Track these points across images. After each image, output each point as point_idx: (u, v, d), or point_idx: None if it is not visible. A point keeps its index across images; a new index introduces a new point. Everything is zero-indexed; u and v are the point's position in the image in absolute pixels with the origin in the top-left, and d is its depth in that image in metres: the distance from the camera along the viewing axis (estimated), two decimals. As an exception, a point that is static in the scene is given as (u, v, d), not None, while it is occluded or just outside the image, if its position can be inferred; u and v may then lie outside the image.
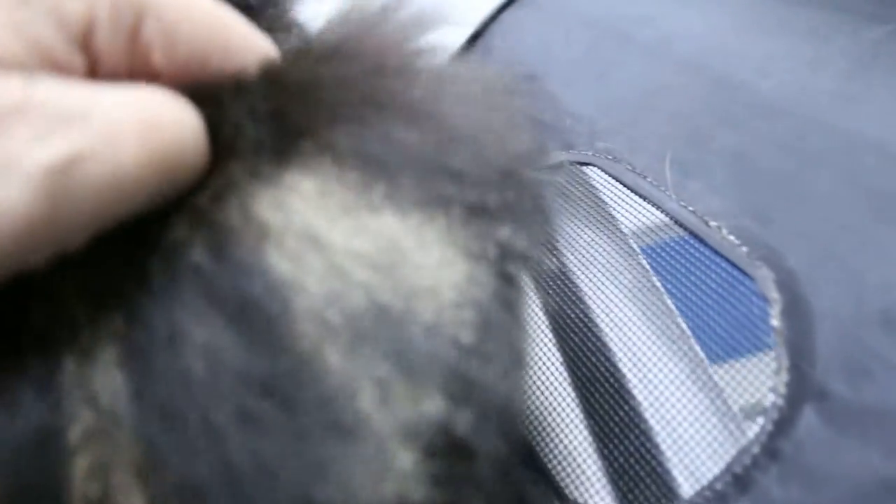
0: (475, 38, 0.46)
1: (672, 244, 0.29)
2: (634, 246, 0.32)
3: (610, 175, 0.33)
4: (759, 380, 0.24)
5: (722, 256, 0.27)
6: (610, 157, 0.33)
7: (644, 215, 0.31)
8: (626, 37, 0.37)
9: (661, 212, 0.30)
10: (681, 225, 0.29)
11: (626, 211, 0.32)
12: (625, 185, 0.32)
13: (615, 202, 0.32)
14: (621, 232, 0.32)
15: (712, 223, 0.28)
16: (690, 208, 0.29)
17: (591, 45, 0.38)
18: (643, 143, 0.32)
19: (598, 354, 0.29)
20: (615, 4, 0.40)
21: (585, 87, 0.36)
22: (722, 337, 0.26)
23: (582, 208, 0.34)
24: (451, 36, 0.46)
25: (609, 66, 0.37)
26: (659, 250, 0.30)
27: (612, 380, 0.28)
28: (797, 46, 0.32)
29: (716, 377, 0.26)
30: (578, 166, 0.34)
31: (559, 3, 0.43)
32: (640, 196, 0.31)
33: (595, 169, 0.33)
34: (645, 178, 0.31)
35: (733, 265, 0.26)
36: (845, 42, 0.31)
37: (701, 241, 0.28)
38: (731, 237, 0.27)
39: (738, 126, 0.30)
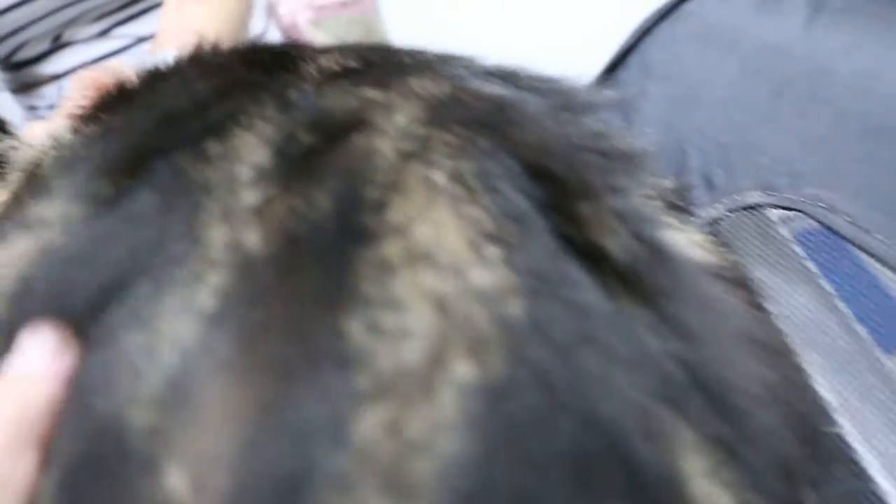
0: (627, 50, 0.44)
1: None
2: (842, 307, 0.30)
3: (823, 225, 0.30)
4: None
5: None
6: (822, 205, 0.31)
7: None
8: (825, 70, 0.35)
9: (897, 274, 0.28)
10: (924, 292, 0.27)
11: (839, 265, 0.30)
12: (844, 238, 0.30)
13: (827, 255, 0.30)
14: (826, 291, 0.30)
15: (968, 295, 0.26)
16: (936, 275, 0.27)
17: (782, 77, 0.35)
18: (862, 193, 0.30)
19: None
20: (803, 35, 0.37)
21: (781, 122, 0.34)
22: None
23: (783, 258, 0.31)
24: (597, 49, 0.44)
25: (808, 101, 0.34)
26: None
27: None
28: None
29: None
30: (780, 211, 0.32)
31: (730, 28, 0.40)
32: (867, 252, 0.29)
33: (802, 216, 0.31)
34: (868, 232, 0.29)
35: None
36: None
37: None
38: None
39: None
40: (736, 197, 0.33)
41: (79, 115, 0.35)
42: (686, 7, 0.44)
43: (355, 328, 0.16)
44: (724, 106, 0.37)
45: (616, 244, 0.19)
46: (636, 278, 0.19)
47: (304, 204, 0.19)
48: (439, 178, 0.19)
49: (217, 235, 0.19)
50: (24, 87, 0.67)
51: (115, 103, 0.31)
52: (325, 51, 0.28)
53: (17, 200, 0.27)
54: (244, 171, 0.20)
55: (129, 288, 0.19)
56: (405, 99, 0.22)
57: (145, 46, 0.65)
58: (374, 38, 0.82)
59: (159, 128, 0.24)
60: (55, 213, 0.24)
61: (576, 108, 0.28)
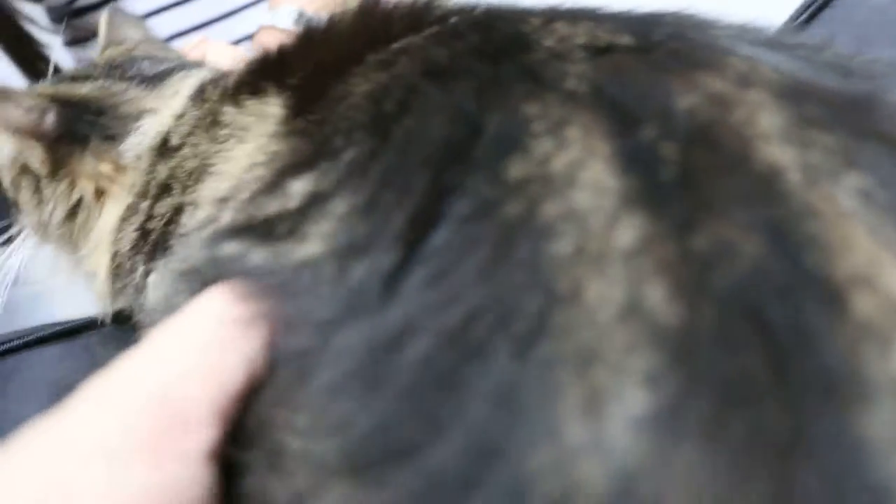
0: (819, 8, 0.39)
1: None
2: None
3: None
4: None
5: None
6: None
7: None
8: None
9: None
10: None
11: None
12: None
13: None
14: None
15: None
16: None
17: None
18: None
19: None
20: None
21: None
22: None
23: None
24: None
25: None
26: None
27: None
28: None
29: None
30: None
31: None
32: None
33: None
34: None
35: None
36: None
37: None
38: None
39: None
40: None
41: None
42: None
43: (877, 432, 0.12)
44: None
45: None
46: None
47: (715, 246, 0.14)
48: (846, 199, 0.15)
49: (596, 292, 0.14)
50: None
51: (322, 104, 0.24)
52: (551, 17, 0.22)
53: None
54: (589, 199, 0.16)
55: (477, 370, 0.14)
56: (756, 91, 0.18)
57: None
58: None
59: (434, 159, 0.19)
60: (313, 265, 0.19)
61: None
